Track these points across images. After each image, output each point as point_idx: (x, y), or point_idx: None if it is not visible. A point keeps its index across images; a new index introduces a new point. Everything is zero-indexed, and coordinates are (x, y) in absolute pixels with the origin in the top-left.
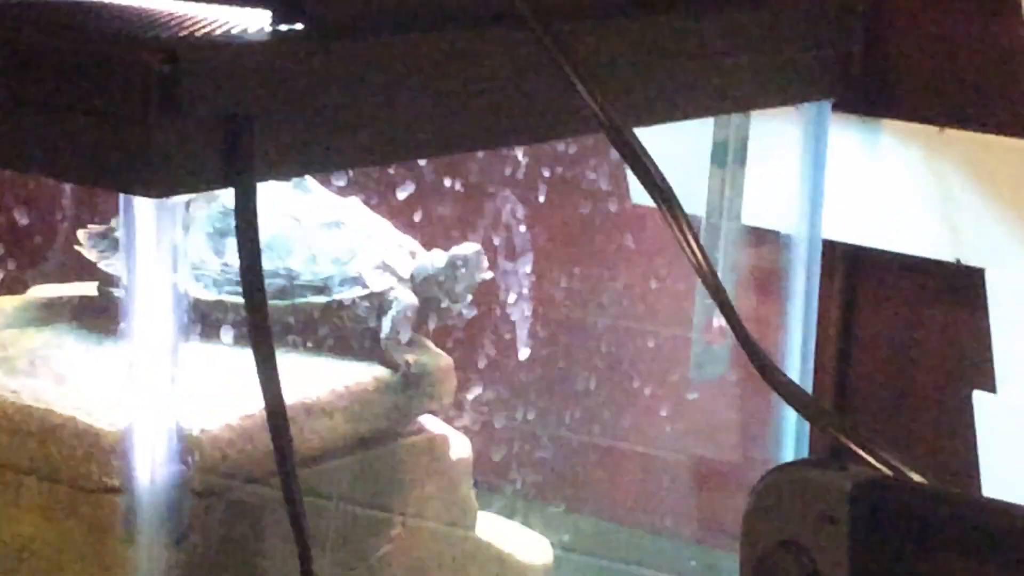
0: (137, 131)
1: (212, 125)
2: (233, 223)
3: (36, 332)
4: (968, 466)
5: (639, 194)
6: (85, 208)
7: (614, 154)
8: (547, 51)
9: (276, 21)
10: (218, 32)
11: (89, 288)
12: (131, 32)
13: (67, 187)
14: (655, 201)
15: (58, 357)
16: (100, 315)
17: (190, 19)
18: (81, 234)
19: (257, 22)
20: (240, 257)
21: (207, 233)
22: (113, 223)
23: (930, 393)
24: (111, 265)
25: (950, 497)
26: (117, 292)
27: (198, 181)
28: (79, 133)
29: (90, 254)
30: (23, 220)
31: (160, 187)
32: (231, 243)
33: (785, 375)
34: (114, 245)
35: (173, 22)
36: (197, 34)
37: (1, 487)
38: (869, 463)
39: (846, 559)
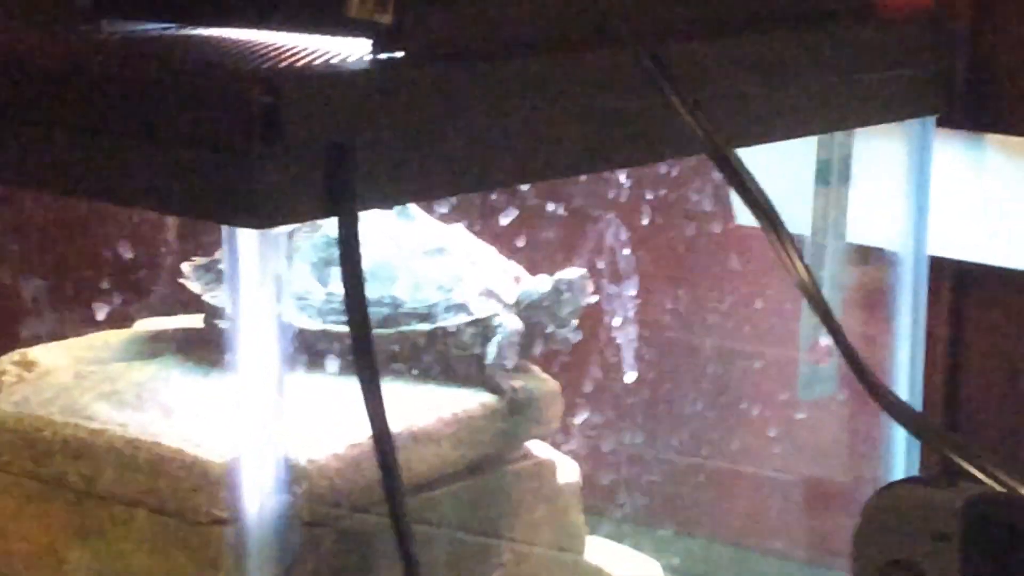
0: (239, 162)
1: (314, 155)
2: (336, 252)
3: (143, 365)
4: None
5: (743, 215)
6: (189, 241)
7: (717, 175)
8: (647, 72)
9: (376, 49)
10: (318, 62)
11: (194, 320)
12: (231, 64)
13: (170, 220)
14: (759, 221)
15: (165, 390)
16: (206, 347)
17: (290, 49)
18: (185, 267)
19: (357, 50)
20: (344, 286)
21: (311, 263)
22: (217, 255)
23: None
24: (216, 297)
25: None
26: (222, 324)
27: (300, 211)
28: (181, 165)
29: (194, 287)
30: (127, 254)
31: (262, 218)
32: (335, 272)
33: (893, 393)
34: (219, 277)
35: (273, 53)
36: (297, 64)
37: (110, 520)
38: (979, 479)
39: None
